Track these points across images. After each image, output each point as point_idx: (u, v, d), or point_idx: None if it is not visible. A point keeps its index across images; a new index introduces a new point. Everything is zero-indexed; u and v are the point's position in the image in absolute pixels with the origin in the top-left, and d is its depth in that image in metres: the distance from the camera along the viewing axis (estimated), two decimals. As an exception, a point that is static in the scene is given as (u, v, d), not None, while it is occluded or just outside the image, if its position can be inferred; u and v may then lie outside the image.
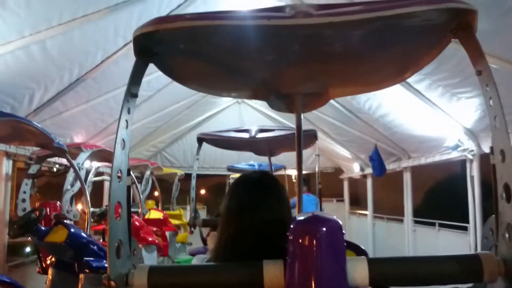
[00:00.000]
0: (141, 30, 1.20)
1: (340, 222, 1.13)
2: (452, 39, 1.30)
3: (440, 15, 1.18)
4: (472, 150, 5.21)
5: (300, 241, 1.08)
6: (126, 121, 1.24)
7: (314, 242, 1.06)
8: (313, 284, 1.04)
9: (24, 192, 4.61)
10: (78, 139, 6.38)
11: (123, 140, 1.21)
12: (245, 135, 4.62)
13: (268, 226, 1.29)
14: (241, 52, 1.42)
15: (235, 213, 1.35)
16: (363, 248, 2.12)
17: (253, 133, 4.56)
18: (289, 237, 1.10)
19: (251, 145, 4.94)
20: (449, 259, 1.17)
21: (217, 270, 1.21)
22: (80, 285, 3.45)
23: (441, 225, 6.64)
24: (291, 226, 1.12)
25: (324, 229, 1.08)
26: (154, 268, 1.16)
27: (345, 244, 1.11)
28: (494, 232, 1.18)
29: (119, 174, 1.17)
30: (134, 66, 1.27)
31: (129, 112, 1.25)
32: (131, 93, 1.26)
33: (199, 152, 4.68)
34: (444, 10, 1.15)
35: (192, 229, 4.57)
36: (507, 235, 1.09)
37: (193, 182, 4.56)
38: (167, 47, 1.33)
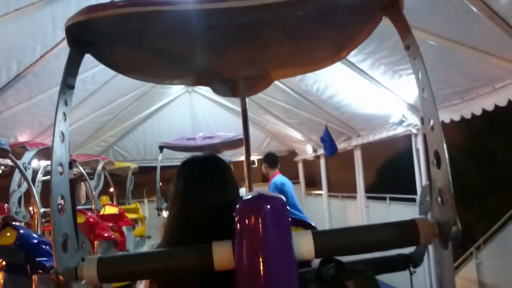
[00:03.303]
0: (73, 20, 1.17)
1: (284, 199, 1.17)
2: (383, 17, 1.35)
3: None
4: (416, 125, 5.41)
5: (246, 220, 1.10)
6: (64, 113, 1.21)
7: (260, 220, 1.09)
8: (261, 261, 1.07)
9: (-32, 197, 4.42)
10: (22, 138, 6.11)
11: (61, 132, 1.18)
12: (194, 142, 6.74)
13: (214, 206, 1.29)
14: (179, 38, 1.40)
15: (180, 193, 1.34)
16: (313, 224, 2.18)
17: (200, 141, 6.69)
18: (236, 217, 1.12)
19: (200, 149, 6.66)
20: (388, 226, 1.24)
21: (166, 255, 1.21)
22: (34, 286, 3.36)
23: (391, 199, 6.88)
24: (237, 206, 1.14)
25: (268, 206, 1.11)
26: (103, 258, 1.15)
27: (290, 220, 1.14)
28: (428, 197, 1.25)
29: (60, 169, 1.15)
30: (69, 57, 1.24)
31: (66, 104, 1.22)
32: (67, 84, 1.24)
33: (160, 157, 7.35)
34: None
35: (160, 212, 6.84)
36: (439, 199, 1.15)
37: (158, 175, 7.29)
38: (102, 36, 1.29)
